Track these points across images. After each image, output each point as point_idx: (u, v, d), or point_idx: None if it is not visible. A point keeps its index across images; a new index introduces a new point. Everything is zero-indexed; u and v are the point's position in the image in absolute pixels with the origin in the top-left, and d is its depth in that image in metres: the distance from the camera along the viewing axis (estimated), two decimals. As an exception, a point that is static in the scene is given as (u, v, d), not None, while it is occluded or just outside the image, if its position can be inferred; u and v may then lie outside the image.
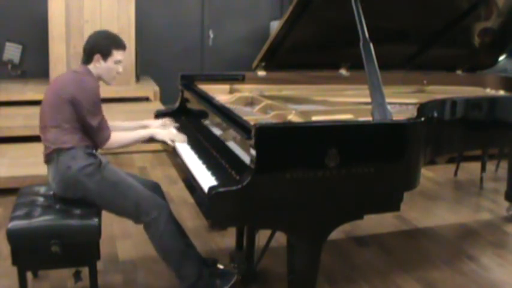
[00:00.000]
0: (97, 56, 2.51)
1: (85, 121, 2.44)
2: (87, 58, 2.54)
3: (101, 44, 2.53)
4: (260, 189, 1.96)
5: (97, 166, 2.48)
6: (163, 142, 2.71)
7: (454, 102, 2.72)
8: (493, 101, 3.05)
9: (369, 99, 2.33)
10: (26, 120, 4.83)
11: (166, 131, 2.76)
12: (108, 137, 2.50)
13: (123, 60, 2.59)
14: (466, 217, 3.94)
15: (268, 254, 2.72)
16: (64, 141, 2.45)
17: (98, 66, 2.53)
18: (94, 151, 2.53)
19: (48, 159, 2.51)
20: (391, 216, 3.77)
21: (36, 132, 4.51)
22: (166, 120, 2.92)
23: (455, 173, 4.82)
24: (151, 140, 2.73)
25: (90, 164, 2.46)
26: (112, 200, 2.50)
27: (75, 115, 2.44)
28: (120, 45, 2.56)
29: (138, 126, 2.87)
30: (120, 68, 2.59)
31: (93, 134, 2.48)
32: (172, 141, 2.66)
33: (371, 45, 2.36)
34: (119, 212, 2.55)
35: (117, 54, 2.54)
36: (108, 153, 3.85)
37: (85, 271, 2.49)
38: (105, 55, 2.52)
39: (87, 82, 2.47)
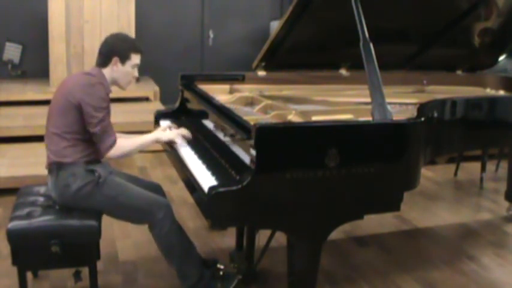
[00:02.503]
0: (115, 59, 2.48)
1: (88, 126, 2.39)
2: (104, 61, 2.50)
3: (120, 47, 2.50)
4: (260, 189, 1.96)
5: (95, 184, 2.42)
6: (170, 142, 2.66)
7: (454, 102, 2.72)
8: (493, 101, 3.05)
9: (368, 99, 2.33)
10: (26, 120, 4.83)
11: (169, 132, 2.72)
12: (113, 143, 2.42)
13: (139, 64, 2.57)
14: (466, 217, 3.94)
15: (268, 254, 2.72)
16: (65, 155, 2.42)
17: (115, 69, 2.50)
18: (96, 164, 2.46)
19: (49, 169, 2.49)
20: (391, 216, 3.77)
21: (36, 132, 4.58)
22: (167, 127, 2.85)
23: (455, 173, 4.82)
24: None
25: (89, 183, 2.41)
26: (114, 212, 2.51)
27: (80, 121, 2.40)
28: (138, 49, 2.54)
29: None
30: (136, 72, 2.58)
31: (96, 140, 2.41)
32: (180, 134, 2.64)
33: (371, 45, 2.36)
34: (123, 219, 2.56)
35: (135, 58, 2.53)
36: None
37: (85, 271, 2.49)
38: (124, 59, 2.49)
39: (96, 88, 2.42)
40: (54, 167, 2.44)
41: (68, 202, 2.44)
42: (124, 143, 2.50)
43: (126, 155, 2.57)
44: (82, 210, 2.45)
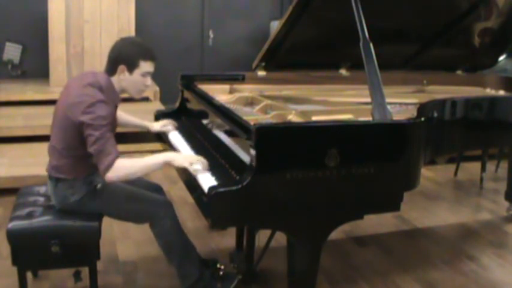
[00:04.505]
0: (121, 67, 2.29)
1: (87, 145, 2.21)
2: (111, 69, 2.31)
3: (127, 54, 2.29)
4: (260, 189, 1.96)
5: (93, 193, 2.39)
6: (169, 141, 2.59)
7: (454, 102, 2.72)
8: (493, 101, 3.05)
9: (369, 99, 2.33)
10: (26, 120, 4.83)
11: (183, 155, 2.38)
12: (111, 163, 2.16)
13: (152, 72, 2.35)
14: (466, 217, 3.94)
15: (268, 254, 2.72)
16: (64, 172, 2.36)
17: (122, 78, 2.30)
18: (94, 176, 2.41)
19: (49, 176, 2.46)
20: (391, 216, 3.77)
21: (36, 132, 4.58)
22: (166, 121, 2.92)
23: (455, 173, 4.82)
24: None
25: (87, 194, 2.39)
26: (115, 215, 2.51)
27: (79, 137, 2.25)
28: (148, 55, 2.31)
29: (137, 124, 2.87)
30: (148, 81, 2.34)
31: (95, 160, 2.22)
32: (191, 164, 2.24)
33: (371, 45, 2.36)
34: (124, 221, 2.56)
35: (144, 66, 2.30)
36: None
37: (85, 271, 2.49)
38: (131, 66, 2.28)
39: (97, 107, 2.19)
40: (54, 178, 2.42)
41: (68, 210, 2.44)
42: (126, 163, 2.21)
43: (130, 177, 2.27)
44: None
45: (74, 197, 2.40)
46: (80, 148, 2.28)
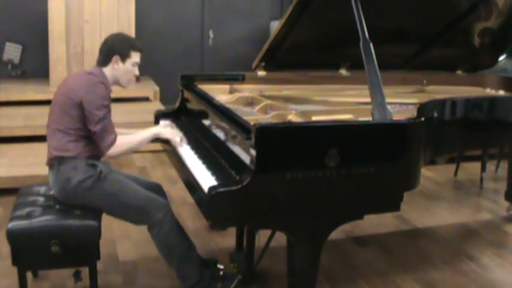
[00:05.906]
0: (115, 58, 2.52)
1: (89, 125, 2.40)
2: (104, 60, 2.54)
3: (120, 46, 2.54)
4: (260, 190, 1.96)
5: (97, 178, 2.43)
6: (168, 140, 2.68)
7: (454, 102, 2.72)
8: (493, 101, 3.05)
9: (368, 99, 2.33)
10: (26, 120, 4.83)
11: (168, 129, 2.73)
12: (113, 141, 2.43)
13: (139, 62, 2.61)
14: (466, 217, 3.94)
15: (268, 254, 2.72)
16: (67, 149, 2.43)
17: (116, 68, 2.53)
18: (96, 161, 2.48)
19: (50, 164, 2.50)
20: (391, 216, 3.77)
21: (36, 132, 4.58)
22: (166, 124, 2.90)
23: (455, 173, 4.82)
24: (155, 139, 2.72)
25: (90, 177, 2.42)
26: (113, 209, 2.51)
27: (82, 118, 2.41)
28: (137, 47, 2.58)
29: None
30: (136, 71, 2.61)
31: (96, 138, 2.43)
32: (178, 137, 2.65)
33: (371, 45, 2.36)
34: (122, 218, 2.56)
35: (135, 56, 2.56)
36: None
37: (85, 271, 2.49)
38: (124, 57, 2.53)
39: (97, 87, 2.44)
40: (56, 162, 2.45)
41: (69, 196, 2.45)
42: (123, 140, 2.50)
43: (127, 152, 2.59)
44: (82, 207, 2.45)
45: (76, 177, 2.41)
46: (82, 129, 2.44)
